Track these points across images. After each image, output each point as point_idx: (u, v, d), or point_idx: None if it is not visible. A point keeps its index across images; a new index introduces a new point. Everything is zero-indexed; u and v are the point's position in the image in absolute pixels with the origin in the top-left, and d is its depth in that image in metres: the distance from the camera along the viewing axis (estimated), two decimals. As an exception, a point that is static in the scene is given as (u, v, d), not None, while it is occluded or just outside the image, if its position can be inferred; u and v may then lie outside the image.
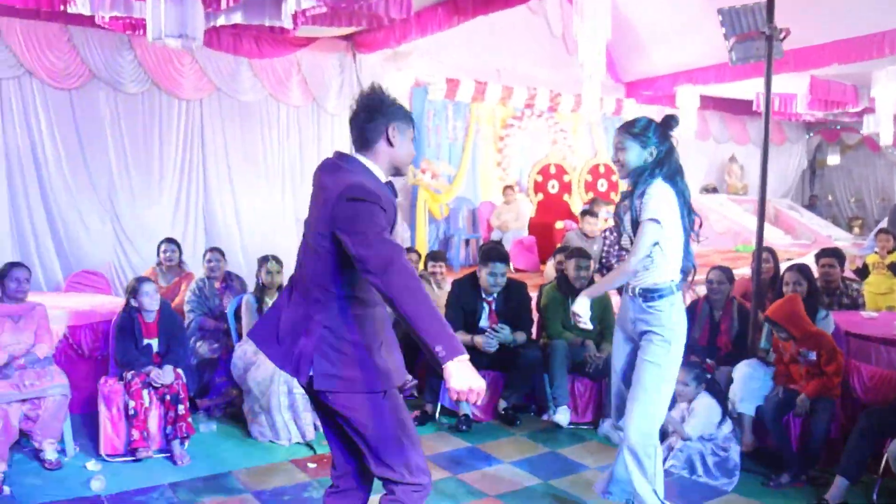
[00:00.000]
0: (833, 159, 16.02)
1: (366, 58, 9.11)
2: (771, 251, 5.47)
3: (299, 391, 4.32)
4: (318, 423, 3.56)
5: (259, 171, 8.68)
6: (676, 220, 2.92)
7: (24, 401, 3.90)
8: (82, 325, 4.81)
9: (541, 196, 11.01)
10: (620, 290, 3.30)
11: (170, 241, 5.96)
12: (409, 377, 4.86)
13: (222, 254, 5.49)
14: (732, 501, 3.68)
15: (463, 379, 2.01)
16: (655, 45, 10.70)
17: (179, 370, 4.33)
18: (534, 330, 5.20)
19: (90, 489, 3.66)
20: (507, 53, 10.51)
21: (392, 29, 8.05)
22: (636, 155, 2.96)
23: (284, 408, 4.40)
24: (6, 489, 3.62)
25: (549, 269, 6.56)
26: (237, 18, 6.11)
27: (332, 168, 2.32)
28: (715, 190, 13.82)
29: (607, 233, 6.92)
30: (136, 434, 4.08)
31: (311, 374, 2.28)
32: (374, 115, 2.33)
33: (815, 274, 4.81)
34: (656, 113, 12.43)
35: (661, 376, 2.94)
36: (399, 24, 7.80)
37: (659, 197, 2.88)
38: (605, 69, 8.25)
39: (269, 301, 4.86)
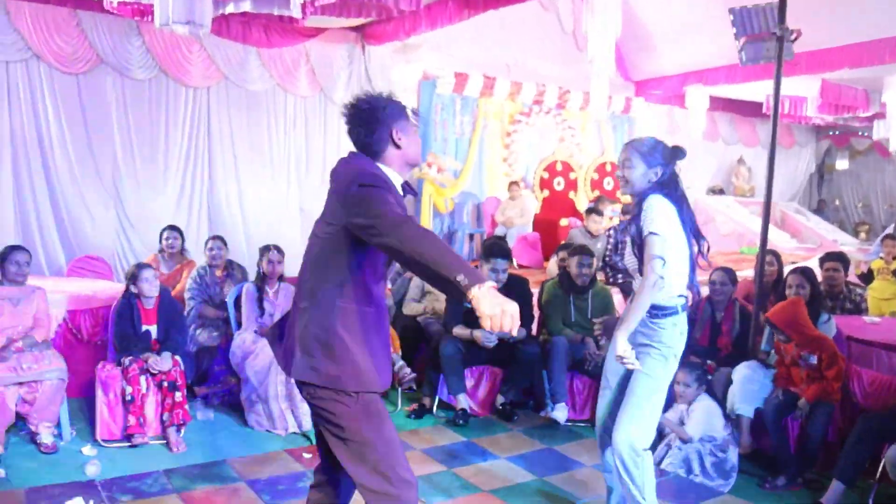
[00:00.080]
0: (842, 164, 15.95)
1: (375, 49, 9.08)
2: (775, 254, 5.45)
3: (297, 381, 4.32)
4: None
5: (265, 161, 8.68)
6: (677, 232, 2.89)
7: (20, 384, 3.90)
8: (82, 310, 4.82)
9: (546, 193, 10.99)
10: (626, 294, 3.28)
11: (172, 228, 5.97)
12: (408, 370, 4.86)
13: (224, 242, 5.48)
14: (728, 502, 3.67)
15: (493, 303, 1.83)
16: (666, 45, 10.65)
17: (177, 357, 4.33)
18: (534, 326, 5.18)
19: (85, 473, 3.66)
20: (516, 49, 10.46)
21: (401, 21, 8.02)
22: (641, 174, 2.95)
23: (282, 397, 4.40)
24: (2, 471, 3.63)
25: (553, 265, 6.54)
26: (246, 7, 6.08)
27: (346, 161, 2.32)
28: (722, 191, 13.77)
29: (612, 231, 6.89)
30: (132, 420, 4.09)
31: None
32: (373, 126, 2.28)
33: (819, 278, 4.78)
34: (665, 113, 12.43)
35: (654, 388, 2.94)
36: (408, 17, 7.78)
37: (656, 209, 2.86)
38: (615, 67, 8.22)
39: (270, 291, 4.85)
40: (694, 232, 2.97)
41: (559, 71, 10.82)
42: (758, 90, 10.83)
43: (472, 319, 4.86)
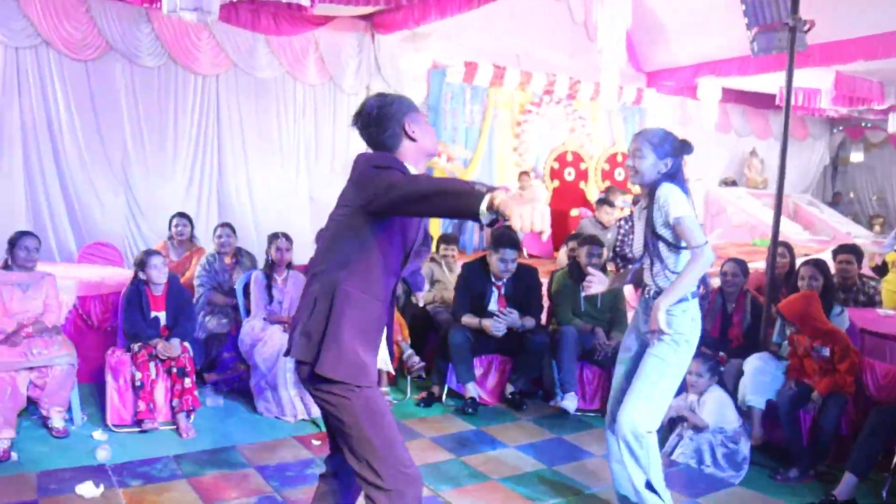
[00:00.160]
0: (856, 156, 15.78)
1: (384, 38, 9.02)
2: (787, 246, 5.41)
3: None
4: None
5: (274, 149, 8.65)
6: (694, 217, 2.92)
7: (31, 369, 3.91)
8: (92, 296, 4.84)
9: (556, 183, 10.93)
10: (637, 286, 3.27)
11: (181, 215, 5.98)
12: (417, 359, 4.85)
13: (233, 229, 5.48)
14: (739, 494, 3.64)
15: (519, 202, 1.78)
16: (678, 35, 10.56)
17: (186, 344, 4.34)
18: (543, 316, 5.16)
19: (96, 458, 3.68)
20: (526, 38, 10.37)
21: (411, 9, 7.96)
22: (651, 164, 2.96)
23: (290, 384, 4.40)
24: (14, 455, 3.65)
25: (563, 255, 6.51)
26: (255, -7, 6.08)
27: (367, 153, 2.33)
28: (734, 183, 13.66)
29: (622, 222, 6.85)
30: (142, 405, 4.10)
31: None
32: (385, 123, 2.27)
33: (832, 270, 4.74)
34: (678, 104, 12.33)
35: (664, 371, 2.93)
36: (418, 5, 7.73)
37: (675, 194, 2.90)
38: (626, 57, 8.18)
39: (279, 278, 4.85)
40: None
41: (569, 61, 10.74)
42: (771, 82, 10.71)
43: (481, 308, 4.86)
